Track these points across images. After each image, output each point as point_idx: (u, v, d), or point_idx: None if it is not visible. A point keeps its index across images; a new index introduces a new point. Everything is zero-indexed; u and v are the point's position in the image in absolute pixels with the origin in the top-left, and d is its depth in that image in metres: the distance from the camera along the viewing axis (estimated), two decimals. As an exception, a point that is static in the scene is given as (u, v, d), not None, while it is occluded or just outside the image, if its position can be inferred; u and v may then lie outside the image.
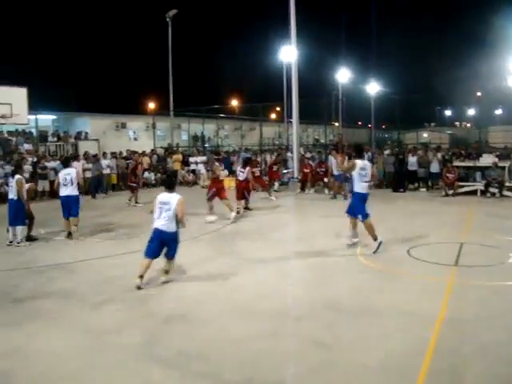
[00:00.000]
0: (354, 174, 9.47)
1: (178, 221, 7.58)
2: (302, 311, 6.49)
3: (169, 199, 7.57)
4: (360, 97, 48.05)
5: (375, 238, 9.34)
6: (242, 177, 14.56)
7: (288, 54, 27.39)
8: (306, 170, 20.34)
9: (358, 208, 9.56)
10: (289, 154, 22.90)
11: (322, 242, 10.57)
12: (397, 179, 20.06)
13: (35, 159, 20.03)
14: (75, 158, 20.19)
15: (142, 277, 7.42)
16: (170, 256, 7.71)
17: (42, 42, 55.34)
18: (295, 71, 21.48)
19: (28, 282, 8.06)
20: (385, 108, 36.57)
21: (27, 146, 22.51)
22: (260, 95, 37.78)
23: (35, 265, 9.15)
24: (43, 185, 19.21)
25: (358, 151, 9.99)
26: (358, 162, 9.52)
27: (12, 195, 10.81)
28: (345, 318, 6.21)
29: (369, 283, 7.64)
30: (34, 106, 19.53)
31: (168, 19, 30.82)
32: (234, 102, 45.97)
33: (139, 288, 7.35)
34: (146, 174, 23.42)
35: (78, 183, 11.50)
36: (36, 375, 4.91)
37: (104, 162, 21.38)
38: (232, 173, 23.23)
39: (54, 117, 29.96)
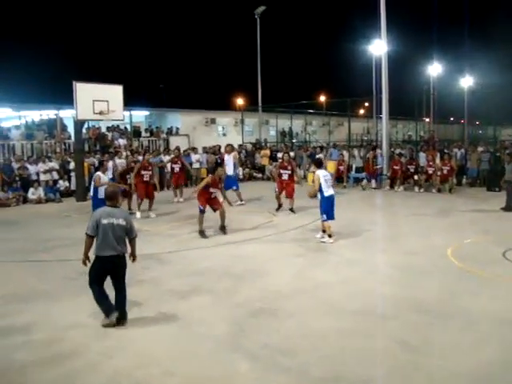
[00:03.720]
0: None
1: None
2: (388, 311, 6.36)
3: (327, 172, 10.61)
4: (452, 91, 46.08)
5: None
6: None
7: (378, 47, 26.80)
8: (395, 167, 19.84)
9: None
10: (378, 151, 22.37)
11: (412, 241, 10.30)
12: (492, 177, 19.07)
13: (129, 153, 20.88)
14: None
15: (330, 236, 10.18)
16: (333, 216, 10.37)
17: (137, 42, 57.79)
18: (385, 65, 20.95)
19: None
20: (479, 102, 34.78)
21: (122, 141, 23.56)
22: (348, 90, 37.24)
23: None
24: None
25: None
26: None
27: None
28: (434, 320, 6.00)
29: (461, 286, 7.34)
30: (129, 102, 20.34)
31: (256, 16, 31.30)
32: (322, 98, 45.55)
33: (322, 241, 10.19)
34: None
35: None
36: (133, 358, 5.15)
37: (194, 157, 21.93)
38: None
39: (147, 113, 31.08)
